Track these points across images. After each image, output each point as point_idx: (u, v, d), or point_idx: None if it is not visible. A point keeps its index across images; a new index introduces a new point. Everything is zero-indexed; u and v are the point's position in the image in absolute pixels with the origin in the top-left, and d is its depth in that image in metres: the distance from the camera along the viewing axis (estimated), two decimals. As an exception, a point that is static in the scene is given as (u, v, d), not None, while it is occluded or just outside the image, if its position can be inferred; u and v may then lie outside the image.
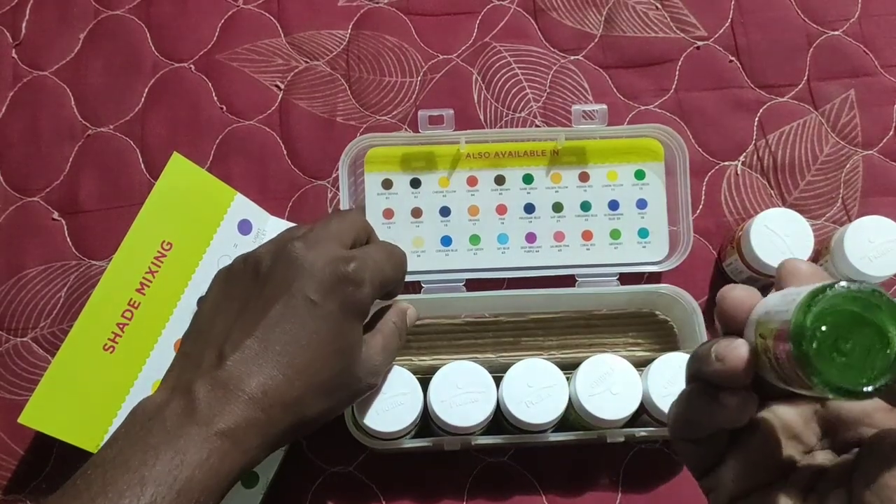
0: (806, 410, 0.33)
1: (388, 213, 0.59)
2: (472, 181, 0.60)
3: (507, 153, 0.60)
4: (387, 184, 0.59)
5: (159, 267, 0.54)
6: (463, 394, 0.50)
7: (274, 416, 0.41)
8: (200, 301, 0.50)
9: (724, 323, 0.31)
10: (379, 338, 0.47)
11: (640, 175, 0.60)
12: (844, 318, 0.27)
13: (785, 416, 0.33)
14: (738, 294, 0.30)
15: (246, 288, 0.45)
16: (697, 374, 0.32)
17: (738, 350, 0.30)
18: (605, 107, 0.59)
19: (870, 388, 0.27)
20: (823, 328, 0.27)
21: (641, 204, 0.59)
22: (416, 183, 0.60)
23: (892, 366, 0.27)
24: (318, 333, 0.43)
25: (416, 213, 0.59)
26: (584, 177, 0.60)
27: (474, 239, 0.59)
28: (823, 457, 0.33)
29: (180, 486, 0.38)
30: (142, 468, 0.38)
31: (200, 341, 0.44)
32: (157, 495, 0.37)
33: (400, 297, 0.53)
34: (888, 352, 0.27)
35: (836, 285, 0.27)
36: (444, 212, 0.59)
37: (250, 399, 0.41)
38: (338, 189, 0.60)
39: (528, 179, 0.60)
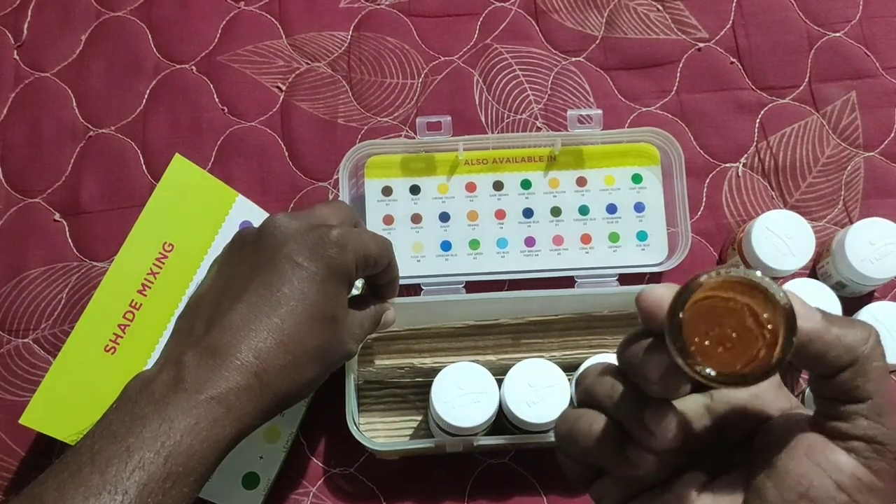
0: (695, 406, 0.33)
1: (389, 220, 0.59)
2: (470, 187, 0.60)
3: (504, 159, 0.60)
4: (387, 191, 0.60)
5: (161, 268, 0.54)
6: (465, 395, 0.50)
7: (267, 380, 0.41)
8: None
9: (646, 322, 0.30)
10: (358, 313, 0.48)
11: (637, 179, 0.60)
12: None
13: None
14: (659, 293, 0.30)
15: (234, 262, 0.46)
16: (605, 410, 0.32)
17: (668, 426, 0.30)
18: (600, 111, 0.59)
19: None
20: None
21: (639, 207, 0.60)
22: (415, 189, 0.60)
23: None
24: (305, 295, 0.43)
25: (416, 218, 0.60)
26: (581, 181, 0.60)
27: (474, 244, 0.59)
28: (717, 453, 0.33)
29: (168, 452, 0.38)
30: (128, 437, 0.38)
31: (191, 315, 0.45)
32: (143, 461, 0.37)
33: (399, 300, 0.53)
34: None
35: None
36: (444, 217, 0.60)
37: (242, 364, 0.41)
38: (339, 192, 0.60)
39: (526, 184, 0.60)
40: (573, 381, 0.52)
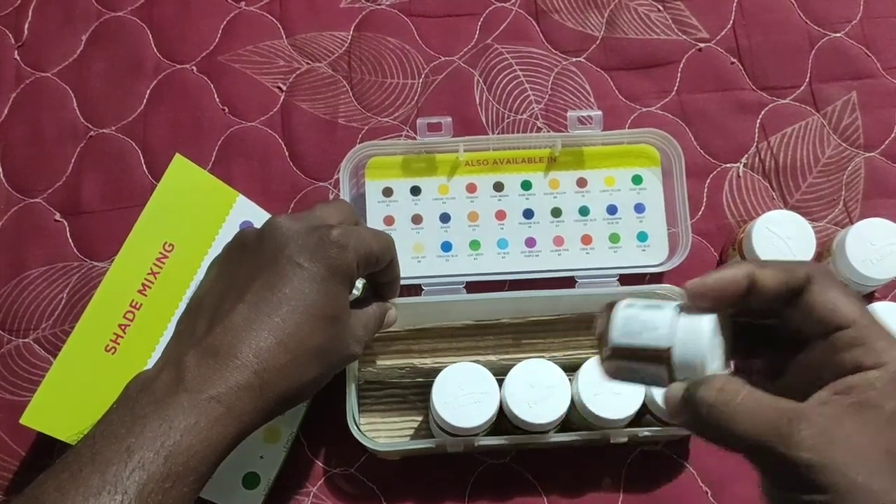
0: None
1: (389, 220, 0.59)
2: (471, 188, 0.60)
3: (505, 160, 0.60)
4: (387, 192, 0.60)
5: (161, 268, 0.54)
6: (465, 395, 0.50)
7: (267, 379, 0.42)
8: None
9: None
10: (361, 314, 0.48)
11: (637, 180, 0.60)
12: None
13: None
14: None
15: (234, 264, 0.46)
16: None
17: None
18: (600, 112, 0.59)
19: None
20: None
21: (639, 208, 0.60)
22: (416, 190, 0.60)
23: None
24: (306, 295, 0.43)
25: (417, 219, 0.60)
26: (581, 182, 0.60)
27: (474, 244, 0.59)
28: None
29: (168, 452, 0.38)
30: (129, 437, 0.38)
31: (192, 316, 0.45)
32: (143, 460, 0.37)
33: (400, 300, 0.53)
34: None
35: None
36: (444, 218, 0.60)
37: (242, 364, 0.41)
38: (339, 193, 0.60)
39: (526, 185, 0.60)
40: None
